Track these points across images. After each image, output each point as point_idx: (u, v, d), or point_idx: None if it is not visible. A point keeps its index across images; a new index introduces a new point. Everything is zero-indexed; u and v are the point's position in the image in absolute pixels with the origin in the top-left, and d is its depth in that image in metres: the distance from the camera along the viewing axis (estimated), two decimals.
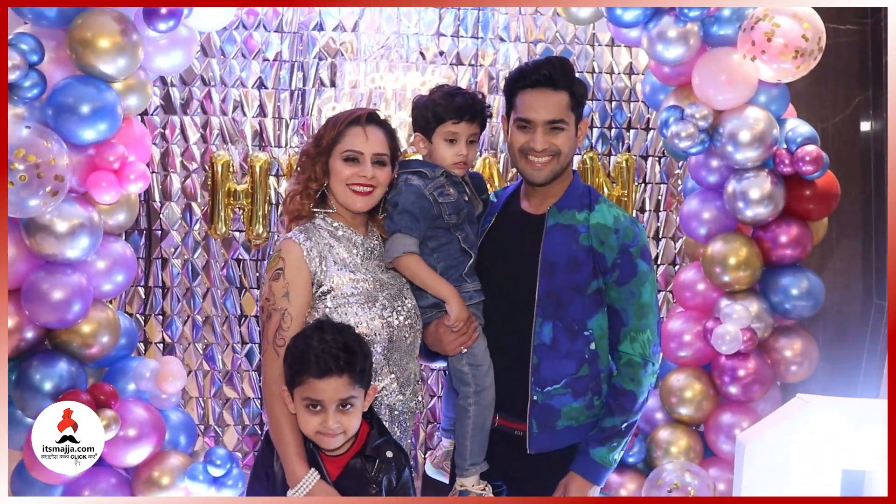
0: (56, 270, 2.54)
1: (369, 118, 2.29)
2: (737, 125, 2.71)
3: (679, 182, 3.47)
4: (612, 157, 3.48)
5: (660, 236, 3.53)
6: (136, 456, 2.68)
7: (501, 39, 3.42)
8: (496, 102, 3.31)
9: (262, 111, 3.34)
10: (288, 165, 3.29)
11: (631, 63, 3.49)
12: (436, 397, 3.40)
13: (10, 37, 2.40)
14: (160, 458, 2.75)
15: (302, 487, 2.08)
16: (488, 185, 3.10)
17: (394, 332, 2.25)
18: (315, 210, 2.30)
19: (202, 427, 3.33)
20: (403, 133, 3.29)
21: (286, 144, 3.35)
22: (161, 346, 3.33)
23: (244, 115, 3.34)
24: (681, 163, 3.38)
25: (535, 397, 2.33)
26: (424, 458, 3.18)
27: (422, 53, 3.38)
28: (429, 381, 3.41)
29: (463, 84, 3.34)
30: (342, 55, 3.33)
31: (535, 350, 2.32)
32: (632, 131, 3.51)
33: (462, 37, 3.40)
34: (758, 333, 2.79)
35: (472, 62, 3.41)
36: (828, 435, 2.45)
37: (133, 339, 2.92)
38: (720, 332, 2.76)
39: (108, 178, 2.60)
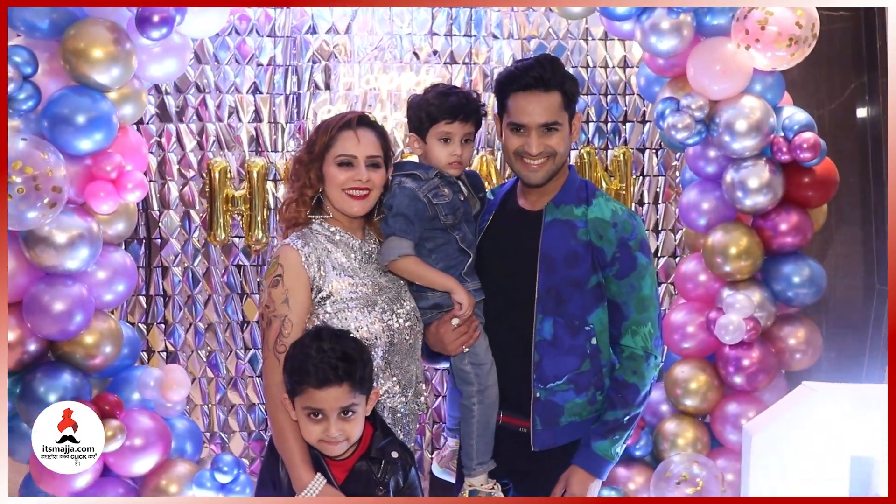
0: (56, 282, 2.54)
1: (360, 121, 2.27)
2: (733, 115, 2.71)
3: (677, 174, 3.46)
4: (610, 151, 3.48)
5: (659, 228, 3.53)
6: (142, 465, 2.68)
7: (495, 37, 3.42)
8: (491, 101, 3.31)
9: (257, 116, 3.34)
10: (285, 170, 3.29)
11: (625, 56, 3.49)
12: (440, 397, 3.39)
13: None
14: (167, 467, 2.75)
15: (308, 493, 2.07)
16: (486, 183, 3.10)
17: (394, 335, 2.24)
18: (311, 216, 2.29)
19: (208, 434, 3.33)
20: (400, 134, 3.29)
21: (283, 149, 3.35)
22: (164, 354, 3.33)
23: (240, 120, 3.34)
24: (678, 154, 3.38)
25: (537, 394, 2.33)
26: (431, 458, 3.18)
27: (415, 53, 3.38)
28: (433, 381, 3.41)
29: (458, 83, 3.34)
30: (336, 58, 3.33)
31: (537, 347, 2.32)
32: (628, 124, 3.51)
33: (455, 35, 3.39)
34: (761, 322, 2.78)
35: (467, 60, 3.40)
36: (835, 422, 2.44)
37: (136, 349, 2.92)
38: (723, 323, 2.75)
39: (106, 188, 2.60)
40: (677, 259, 3.48)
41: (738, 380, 2.83)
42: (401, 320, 2.26)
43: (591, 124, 3.48)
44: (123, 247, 3.05)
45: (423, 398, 2.39)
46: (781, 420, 2.49)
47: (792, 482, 2.45)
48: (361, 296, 2.22)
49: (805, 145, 2.69)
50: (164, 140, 3.30)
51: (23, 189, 2.33)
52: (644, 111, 3.49)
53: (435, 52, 3.39)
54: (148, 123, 3.28)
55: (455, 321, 2.29)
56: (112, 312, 2.86)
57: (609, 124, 3.50)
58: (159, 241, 3.32)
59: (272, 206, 3.31)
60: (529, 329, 2.32)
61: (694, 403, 2.90)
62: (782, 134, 2.76)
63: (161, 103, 3.29)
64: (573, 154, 3.41)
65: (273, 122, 3.35)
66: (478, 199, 2.48)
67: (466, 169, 2.47)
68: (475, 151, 3.37)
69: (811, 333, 2.91)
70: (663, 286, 3.49)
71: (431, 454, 3.32)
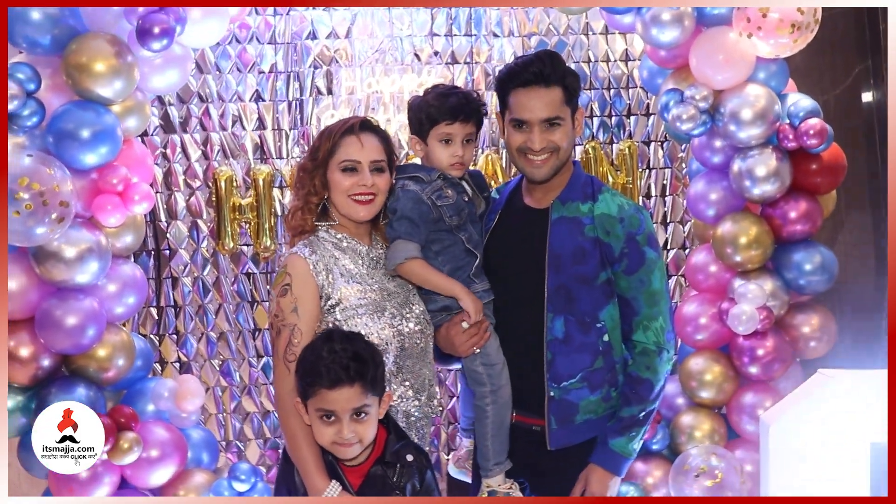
0: (68, 297, 2.55)
1: (362, 126, 2.27)
2: (738, 104, 2.69)
3: (683, 165, 3.45)
4: (615, 145, 3.47)
5: (668, 221, 3.52)
6: (160, 476, 2.69)
7: (495, 35, 3.41)
8: (493, 100, 3.30)
9: (261, 124, 3.35)
10: (291, 176, 3.29)
11: (626, 49, 3.48)
12: (454, 398, 3.39)
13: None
14: (184, 477, 2.76)
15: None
16: (491, 182, 3.08)
17: (405, 339, 2.24)
18: (318, 223, 2.28)
19: (224, 443, 3.34)
20: (404, 136, 3.29)
21: (287, 155, 3.35)
22: (177, 365, 3.34)
23: (244, 128, 3.34)
24: (684, 146, 3.36)
25: (551, 393, 2.31)
26: (447, 460, 3.17)
27: (416, 55, 3.37)
28: (447, 382, 3.40)
29: (460, 82, 3.33)
30: (337, 62, 3.33)
31: (549, 345, 2.31)
32: (632, 118, 3.49)
33: (455, 35, 3.39)
34: (774, 311, 2.77)
35: (468, 60, 3.40)
36: (853, 409, 2.42)
37: (149, 360, 2.92)
38: (736, 313, 2.74)
39: (113, 201, 2.61)
40: (687, 251, 3.46)
41: (753, 370, 2.81)
42: (411, 324, 2.26)
43: (595, 119, 3.46)
44: (133, 259, 3.06)
45: (436, 401, 2.38)
46: (798, 409, 2.48)
47: (811, 470, 2.43)
48: (370, 302, 2.21)
49: (811, 132, 2.68)
50: (169, 151, 3.31)
51: (30, 205, 2.33)
52: (648, 104, 3.48)
53: (436, 53, 3.39)
54: (152, 135, 3.28)
55: (465, 323, 2.28)
56: (124, 325, 2.87)
57: (613, 118, 3.49)
58: (168, 252, 3.32)
59: (279, 213, 3.31)
60: (540, 328, 2.31)
61: (710, 395, 2.88)
62: (788, 121, 2.74)
63: (164, 114, 3.30)
64: (578, 149, 3.41)
65: (277, 129, 3.35)
66: (482, 198, 2.47)
67: (470, 169, 2.47)
68: (480, 151, 3.37)
69: (825, 320, 2.89)
70: (674, 278, 3.47)
71: (448, 455, 3.31)
